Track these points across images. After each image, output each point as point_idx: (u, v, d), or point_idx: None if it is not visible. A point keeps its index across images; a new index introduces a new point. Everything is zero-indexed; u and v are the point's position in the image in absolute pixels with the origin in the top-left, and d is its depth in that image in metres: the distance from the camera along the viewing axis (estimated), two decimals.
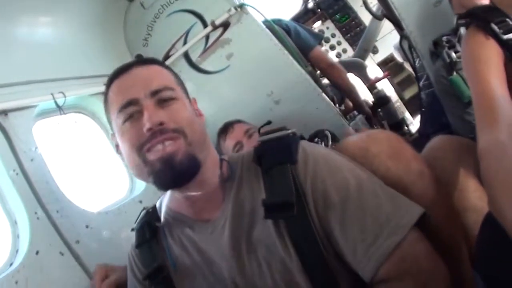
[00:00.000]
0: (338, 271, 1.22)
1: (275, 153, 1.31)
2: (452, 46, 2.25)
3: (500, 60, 1.50)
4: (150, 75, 1.32)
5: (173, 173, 1.23)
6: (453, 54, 2.23)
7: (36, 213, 1.88)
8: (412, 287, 1.12)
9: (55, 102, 2.17)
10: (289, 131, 1.37)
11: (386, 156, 1.37)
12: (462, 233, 1.35)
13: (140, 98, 1.26)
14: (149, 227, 1.46)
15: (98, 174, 2.57)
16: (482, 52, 1.51)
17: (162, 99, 1.27)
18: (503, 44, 1.53)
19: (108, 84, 1.36)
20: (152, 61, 1.40)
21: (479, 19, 1.62)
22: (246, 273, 1.26)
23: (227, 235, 1.28)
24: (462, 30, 1.78)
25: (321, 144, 2.27)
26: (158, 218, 1.47)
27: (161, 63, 1.44)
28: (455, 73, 2.22)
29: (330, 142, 2.27)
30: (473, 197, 1.38)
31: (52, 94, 2.15)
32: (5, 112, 1.94)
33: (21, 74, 2.10)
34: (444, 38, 2.31)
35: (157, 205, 1.51)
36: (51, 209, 1.95)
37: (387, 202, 1.21)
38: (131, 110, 1.26)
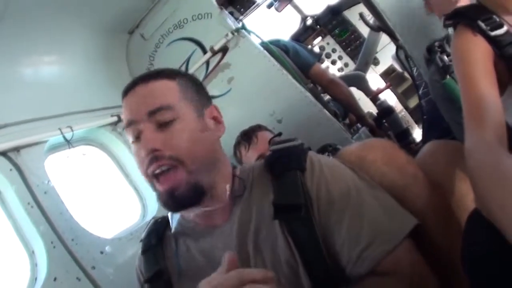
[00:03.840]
0: (336, 273, 1.25)
1: (285, 160, 1.36)
2: (444, 51, 2.25)
3: (489, 58, 1.50)
4: (150, 94, 1.29)
5: (177, 204, 1.26)
6: (445, 58, 2.22)
7: (52, 242, 1.95)
8: (400, 286, 1.17)
9: (64, 137, 2.25)
10: (299, 141, 1.43)
11: (381, 162, 1.42)
12: (457, 234, 1.37)
13: (138, 119, 1.27)
14: (156, 235, 1.47)
15: (110, 202, 2.63)
16: (470, 50, 1.51)
17: (161, 121, 1.26)
18: (491, 41, 1.53)
19: (122, 101, 1.36)
20: (156, 75, 1.33)
21: (466, 18, 1.61)
22: None
23: (234, 237, 1.31)
24: (450, 30, 1.80)
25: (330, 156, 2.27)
26: (167, 227, 1.48)
27: (167, 74, 1.35)
28: (448, 76, 2.21)
29: None
30: (467, 200, 1.36)
31: (60, 129, 2.23)
32: (17, 149, 2.03)
33: (30, 112, 2.18)
34: (436, 43, 2.31)
35: (169, 214, 1.52)
36: (66, 238, 2.01)
37: (384, 212, 1.26)
38: (134, 130, 1.28)
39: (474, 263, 1.09)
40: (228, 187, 1.36)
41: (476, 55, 1.49)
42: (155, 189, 1.28)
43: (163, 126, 1.26)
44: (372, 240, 1.21)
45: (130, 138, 1.31)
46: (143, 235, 1.51)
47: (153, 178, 1.26)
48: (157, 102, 1.27)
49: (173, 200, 1.24)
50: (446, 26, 1.80)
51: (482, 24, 1.54)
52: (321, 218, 1.26)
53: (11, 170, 2.01)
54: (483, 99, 1.32)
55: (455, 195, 1.40)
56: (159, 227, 1.49)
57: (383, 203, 1.29)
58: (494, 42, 1.52)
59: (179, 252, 1.40)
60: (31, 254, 1.96)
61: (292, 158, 1.37)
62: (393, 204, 1.30)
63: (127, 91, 1.32)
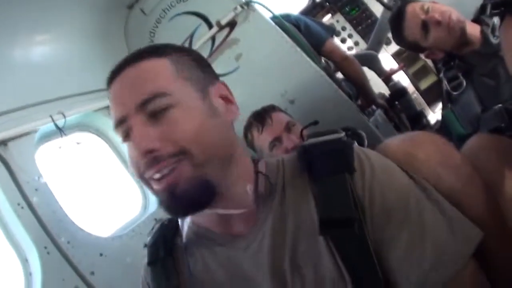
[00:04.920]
0: None
1: (328, 160, 1.13)
2: (448, 69, 2.22)
3: None
4: (140, 79, 1.04)
5: (179, 204, 1.03)
6: (447, 86, 2.19)
7: (46, 247, 1.81)
8: None
9: (55, 124, 2.07)
10: (342, 134, 1.19)
11: (435, 162, 1.23)
12: None
13: (128, 114, 1.03)
14: (164, 243, 1.26)
15: (108, 193, 2.47)
16: None
17: (153, 111, 1.02)
18: None
19: (108, 90, 1.11)
20: (146, 54, 1.09)
21: None
22: None
23: (267, 252, 1.10)
24: (496, 20, 1.67)
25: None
26: (176, 232, 1.27)
27: (158, 51, 1.11)
28: (448, 107, 2.20)
29: (366, 143, 2.10)
30: None
31: (51, 116, 2.04)
32: (4, 142, 1.86)
33: (18, 99, 1.99)
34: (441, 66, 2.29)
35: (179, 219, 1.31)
36: (61, 241, 1.88)
37: (447, 226, 1.08)
38: (124, 128, 1.05)
39: None
40: (250, 187, 1.14)
41: None
42: (153, 191, 1.05)
43: (157, 115, 1.02)
44: (437, 261, 1.04)
45: (120, 139, 1.08)
46: (148, 240, 1.30)
47: (150, 179, 1.03)
48: (150, 88, 1.02)
49: (175, 200, 1.02)
50: (492, 15, 1.68)
51: None
52: (375, 232, 1.08)
53: None
54: None
55: (508, 196, 1.24)
56: (166, 233, 1.27)
57: (445, 214, 1.11)
58: None
59: (193, 267, 1.21)
60: (24, 262, 1.81)
61: (336, 156, 1.13)
62: (455, 214, 1.12)
63: (114, 76, 1.07)
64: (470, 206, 1.16)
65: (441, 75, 2.26)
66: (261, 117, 2.23)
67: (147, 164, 1.00)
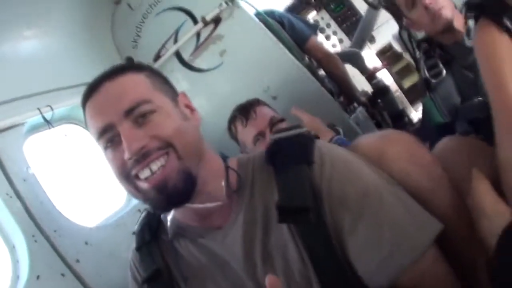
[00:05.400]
0: (353, 283, 1.14)
1: (290, 152, 1.22)
2: (429, 56, 2.20)
3: None
4: (121, 91, 1.15)
5: (168, 199, 1.13)
6: (427, 73, 2.18)
7: (33, 236, 1.86)
8: None
9: (43, 117, 2.11)
10: (304, 129, 1.27)
11: (405, 159, 1.29)
12: (480, 242, 1.25)
13: (114, 121, 1.12)
14: (149, 229, 1.37)
15: (94, 185, 2.52)
16: (497, 48, 1.40)
17: (139, 116, 1.13)
18: None
19: (83, 106, 1.22)
20: (122, 70, 1.21)
21: (490, 12, 1.49)
22: (262, 286, 1.12)
23: (240, 244, 1.20)
24: (471, 22, 1.66)
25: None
26: (161, 225, 1.37)
27: (133, 67, 1.25)
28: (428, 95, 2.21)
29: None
30: (486, 202, 1.25)
31: (39, 109, 2.09)
32: None
33: (6, 92, 2.04)
34: (424, 45, 2.24)
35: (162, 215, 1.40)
36: (48, 230, 1.92)
37: (407, 215, 1.14)
38: (109, 136, 1.13)
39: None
40: (223, 183, 1.22)
41: (504, 55, 1.37)
42: (137, 190, 1.15)
43: (141, 120, 1.13)
44: (395, 248, 1.10)
45: (102, 147, 1.17)
46: (136, 227, 1.41)
47: (135, 178, 1.12)
48: (133, 97, 1.14)
49: (165, 195, 1.12)
50: (467, 17, 1.69)
51: (507, 22, 1.42)
52: (334, 221, 1.14)
53: None
54: None
55: (475, 197, 1.28)
56: (152, 221, 1.39)
57: (406, 205, 1.17)
58: None
59: (180, 257, 1.30)
60: (12, 249, 1.87)
61: (297, 149, 1.22)
62: (416, 207, 1.18)
63: (91, 92, 1.17)
64: (437, 205, 1.22)
65: (421, 64, 2.25)
66: (245, 110, 2.25)
67: (136, 161, 1.09)
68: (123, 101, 1.13)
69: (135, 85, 1.18)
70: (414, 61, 3.00)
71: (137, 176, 1.11)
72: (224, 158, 1.29)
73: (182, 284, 1.28)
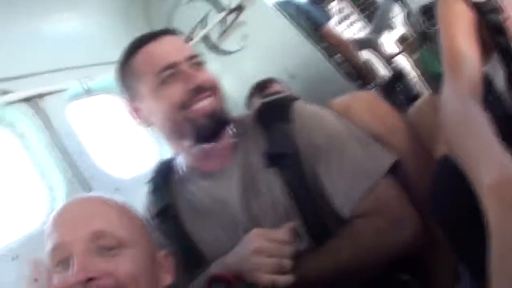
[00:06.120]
0: (326, 213, 1.36)
1: (273, 112, 1.50)
2: (430, 17, 2.18)
3: (471, 22, 1.44)
4: (183, 43, 1.46)
5: (215, 127, 1.39)
6: (423, 25, 2.22)
7: (71, 178, 2.14)
8: (382, 223, 1.27)
9: (83, 87, 2.42)
10: (286, 94, 1.55)
11: (364, 112, 1.53)
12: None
13: (178, 61, 1.37)
14: (162, 175, 1.60)
15: (126, 145, 2.80)
16: (453, 12, 1.46)
17: (197, 62, 1.42)
18: (473, 7, 1.45)
19: (132, 52, 1.44)
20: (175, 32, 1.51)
21: None
22: (254, 217, 1.39)
23: (236, 181, 1.42)
24: None
25: None
26: (172, 171, 1.59)
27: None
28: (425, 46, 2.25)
29: None
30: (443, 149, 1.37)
31: (80, 79, 2.39)
32: (41, 96, 2.21)
33: (52, 63, 2.34)
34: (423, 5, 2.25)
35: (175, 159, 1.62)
36: (84, 175, 2.20)
37: (364, 150, 1.37)
38: (170, 72, 1.36)
39: (440, 204, 1.16)
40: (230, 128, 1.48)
41: (458, 18, 1.45)
42: (188, 119, 1.38)
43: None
44: (355, 177, 1.33)
45: (155, 84, 1.39)
46: (149, 176, 1.64)
47: (189, 107, 1.37)
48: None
49: (213, 121, 1.39)
50: None
51: None
52: (310, 165, 1.38)
53: (35, 114, 2.19)
54: (462, 55, 1.33)
55: (435, 145, 1.46)
56: (164, 169, 1.62)
57: (363, 143, 1.40)
58: (476, 8, 1.46)
59: (184, 193, 1.52)
60: (50, 189, 2.14)
61: (279, 109, 1.49)
62: (373, 145, 1.41)
63: (148, 40, 1.44)
64: (392, 147, 1.41)
65: (420, 22, 2.25)
66: (264, 84, 2.71)
67: (198, 91, 1.38)
68: (186, 47, 1.44)
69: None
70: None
71: (190, 106, 1.36)
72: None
73: (186, 218, 1.49)
